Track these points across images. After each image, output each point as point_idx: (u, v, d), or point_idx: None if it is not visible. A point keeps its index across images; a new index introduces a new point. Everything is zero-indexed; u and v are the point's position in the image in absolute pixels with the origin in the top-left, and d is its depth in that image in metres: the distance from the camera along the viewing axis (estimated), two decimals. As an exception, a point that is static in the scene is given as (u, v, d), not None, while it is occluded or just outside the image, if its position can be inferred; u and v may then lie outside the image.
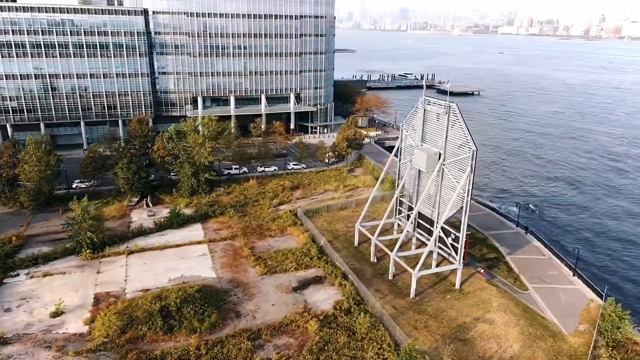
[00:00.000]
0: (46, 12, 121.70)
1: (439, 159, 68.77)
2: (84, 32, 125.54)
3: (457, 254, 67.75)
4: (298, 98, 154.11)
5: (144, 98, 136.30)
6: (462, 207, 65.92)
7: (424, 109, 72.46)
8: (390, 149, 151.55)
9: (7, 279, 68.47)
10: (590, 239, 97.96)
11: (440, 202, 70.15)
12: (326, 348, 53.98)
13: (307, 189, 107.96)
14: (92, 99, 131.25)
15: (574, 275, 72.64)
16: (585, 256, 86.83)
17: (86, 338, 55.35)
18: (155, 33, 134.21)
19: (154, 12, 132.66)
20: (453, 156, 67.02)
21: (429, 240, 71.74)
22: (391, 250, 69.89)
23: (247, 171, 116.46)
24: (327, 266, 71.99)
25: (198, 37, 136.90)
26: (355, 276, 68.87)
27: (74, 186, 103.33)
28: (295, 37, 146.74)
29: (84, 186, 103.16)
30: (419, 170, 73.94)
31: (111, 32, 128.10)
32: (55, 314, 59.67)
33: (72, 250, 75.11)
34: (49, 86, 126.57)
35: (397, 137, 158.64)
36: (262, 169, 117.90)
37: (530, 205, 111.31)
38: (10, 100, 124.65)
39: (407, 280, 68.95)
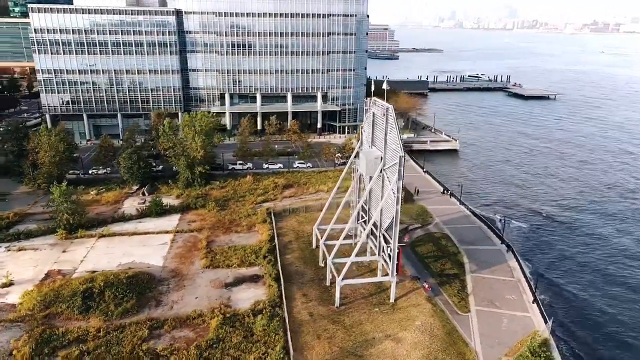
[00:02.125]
0: (89, 13, 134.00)
1: (380, 163, 65.23)
2: (121, 31, 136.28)
3: (390, 266, 63.83)
4: (325, 97, 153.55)
5: (174, 93, 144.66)
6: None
7: (372, 111, 68.92)
8: (416, 152, 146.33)
9: (-18, 252, 77.31)
10: (583, 274, 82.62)
11: (382, 209, 66.52)
12: (215, 345, 54.06)
13: (301, 188, 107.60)
14: (127, 93, 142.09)
15: (533, 302, 65.04)
16: (566, 288, 75.98)
17: (16, 309, 60.90)
18: (187, 32, 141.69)
19: (185, 12, 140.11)
20: (392, 161, 63.22)
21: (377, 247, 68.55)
22: (349, 256, 67.55)
23: (251, 167, 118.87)
24: (269, 266, 71.52)
25: (226, 35, 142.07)
26: (282, 278, 67.75)
27: (90, 172, 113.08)
28: (322, 36, 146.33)
29: (99, 172, 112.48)
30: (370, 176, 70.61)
31: (145, 31, 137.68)
32: (5, 285, 66.20)
33: (53, 230, 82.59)
34: (91, 81, 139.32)
35: (427, 141, 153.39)
36: (267, 166, 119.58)
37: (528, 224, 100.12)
38: (58, 93, 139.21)
39: (344, 288, 66.37)
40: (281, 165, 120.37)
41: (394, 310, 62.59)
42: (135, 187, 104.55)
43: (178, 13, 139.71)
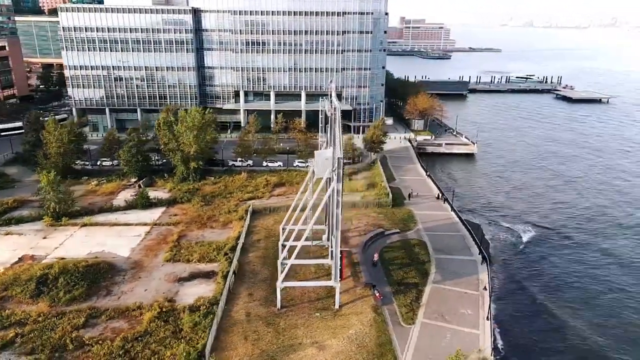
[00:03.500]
0: (112, 12, 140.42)
1: (330, 164, 63.28)
2: (141, 29, 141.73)
3: (333, 270, 61.85)
4: (340, 96, 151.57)
5: (190, 90, 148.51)
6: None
7: (324, 110, 67.09)
8: (430, 155, 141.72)
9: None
10: (561, 297, 72.43)
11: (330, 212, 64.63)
12: (140, 338, 54.76)
13: (292, 187, 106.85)
14: (146, 89, 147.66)
15: (487, 319, 60.64)
16: (534, 308, 69.51)
17: (-23, 290, 64.88)
18: (203, 30, 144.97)
19: (202, 11, 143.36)
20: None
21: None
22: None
23: (251, 164, 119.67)
24: (225, 263, 71.26)
25: (241, 33, 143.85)
26: (231, 276, 67.43)
27: (98, 163, 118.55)
28: (337, 34, 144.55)
29: (106, 164, 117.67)
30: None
31: (164, 29, 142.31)
32: (-27, 266, 70.85)
33: (41, 217, 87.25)
34: (113, 76, 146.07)
35: (442, 144, 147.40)
36: (266, 164, 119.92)
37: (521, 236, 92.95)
38: (84, 88, 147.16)
39: (291, 292, 65.22)
40: (281, 164, 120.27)
41: (335, 316, 60.56)
42: (133, 180, 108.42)
43: (195, 11, 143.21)
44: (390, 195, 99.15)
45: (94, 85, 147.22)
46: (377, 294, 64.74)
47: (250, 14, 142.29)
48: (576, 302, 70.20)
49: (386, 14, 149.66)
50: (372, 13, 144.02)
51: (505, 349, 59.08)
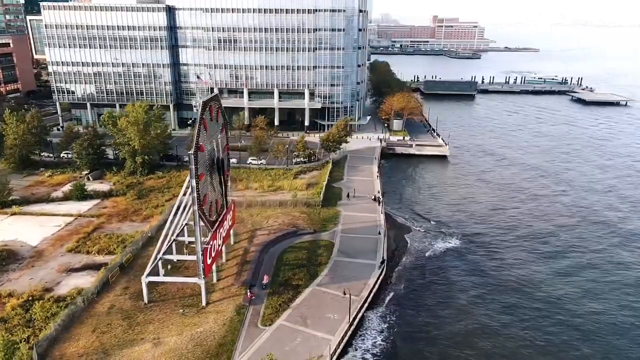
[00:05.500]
0: (91, 10, 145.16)
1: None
2: (118, 27, 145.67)
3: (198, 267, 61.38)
4: (313, 94, 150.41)
5: (165, 87, 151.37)
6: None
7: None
8: (399, 155, 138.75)
9: None
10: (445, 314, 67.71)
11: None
12: (-5, 324, 56.45)
13: (234, 183, 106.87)
14: (124, 85, 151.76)
15: (350, 326, 58.57)
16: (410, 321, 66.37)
17: None
18: (177, 28, 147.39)
19: (176, 9, 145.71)
20: (206, 160, 60.69)
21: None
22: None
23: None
24: (119, 255, 72.54)
25: (213, 31, 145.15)
26: (115, 269, 68.24)
27: (61, 155, 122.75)
28: (309, 32, 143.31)
29: (64, 157, 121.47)
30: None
31: (139, 26, 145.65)
32: None
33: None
34: (92, 72, 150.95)
35: (412, 145, 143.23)
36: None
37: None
38: (66, 83, 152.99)
39: (170, 287, 65.40)
40: (234, 161, 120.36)
41: (197, 314, 60.18)
42: (84, 173, 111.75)
43: (170, 9, 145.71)
44: (322, 195, 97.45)
45: (75, 80, 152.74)
46: (249, 294, 63.83)
47: (223, 12, 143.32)
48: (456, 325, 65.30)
49: (361, 11, 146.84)
50: (344, 10, 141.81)
51: (359, 354, 56.76)
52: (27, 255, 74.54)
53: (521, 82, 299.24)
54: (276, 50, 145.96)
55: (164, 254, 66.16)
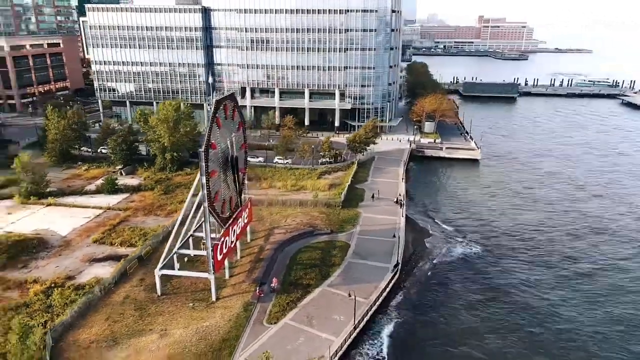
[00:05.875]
0: (131, 11, 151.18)
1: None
2: (156, 27, 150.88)
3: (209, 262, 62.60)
4: (343, 95, 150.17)
5: (199, 86, 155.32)
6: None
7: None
8: (428, 158, 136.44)
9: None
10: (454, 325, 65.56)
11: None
12: (14, 309, 59.59)
13: (259, 182, 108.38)
14: (161, 84, 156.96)
15: (354, 327, 58.14)
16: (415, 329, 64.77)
17: None
18: (212, 28, 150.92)
19: (212, 10, 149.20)
20: (219, 157, 61.86)
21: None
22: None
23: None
24: (139, 248, 75.10)
25: (246, 31, 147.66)
26: (134, 261, 70.64)
27: (99, 150, 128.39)
28: (340, 32, 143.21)
29: (104, 152, 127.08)
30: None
31: (176, 27, 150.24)
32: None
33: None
34: (131, 72, 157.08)
35: (442, 148, 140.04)
36: (248, 158, 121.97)
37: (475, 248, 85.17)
38: (108, 81, 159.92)
39: (184, 281, 67.14)
40: (261, 159, 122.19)
41: (206, 309, 61.48)
42: (118, 167, 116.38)
43: (205, 10, 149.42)
44: (343, 196, 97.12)
45: (116, 79, 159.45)
46: (258, 292, 64.54)
47: (256, 12, 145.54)
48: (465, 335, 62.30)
49: (394, 11, 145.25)
50: (376, 11, 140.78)
51: (363, 359, 56.21)
52: (56, 244, 78.46)
53: (568, 85, 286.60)
54: (307, 51, 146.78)
55: (179, 248, 68.07)
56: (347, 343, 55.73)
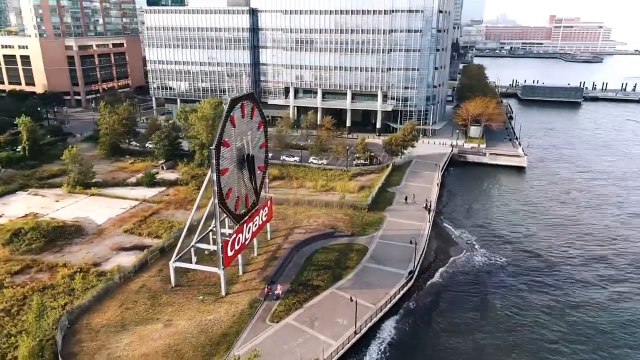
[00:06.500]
0: (182, 13, 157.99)
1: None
2: (205, 28, 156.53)
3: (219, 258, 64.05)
4: (386, 97, 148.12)
5: (245, 85, 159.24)
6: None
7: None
8: (470, 164, 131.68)
9: (19, 191, 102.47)
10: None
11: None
12: (42, 290, 64.14)
13: (290, 182, 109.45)
14: (209, 83, 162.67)
15: (355, 333, 57.30)
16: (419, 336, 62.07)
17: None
18: (259, 29, 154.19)
19: (259, 11, 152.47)
20: (232, 156, 63.26)
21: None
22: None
23: (270, 157, 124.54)
24: (163, 240, 78.33)
25: (291, 32, 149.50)
26: (155, 252, 73.68)
27: (146, 145, 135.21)
28: (384, 33, 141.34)
29: (150, 146, 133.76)
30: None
31: (225, 28, 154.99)
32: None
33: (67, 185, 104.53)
34: (182, 71, 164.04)
35: (485, 154, 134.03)
36: (283, 157, 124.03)
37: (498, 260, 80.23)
38: (161, 79, 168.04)
39: (200, 274, 69.20)
40: (297, 159, 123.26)
41: (214, 303, 63.03)
42: (160, 162, 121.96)
43: (253, 12, 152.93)
44: (371, 199, 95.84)
45: (168, 77, 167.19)
46: (266, 290, 65.22)
47: (301, 13, 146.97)
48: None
49: (441, 11, 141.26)
50: (422, 11, 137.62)
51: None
52: (91, 232, 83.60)
53: (633, 91, 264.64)
54: (351, 52, 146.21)
55: (197, 242, 70.16)
56: (345, 348, 55.05)
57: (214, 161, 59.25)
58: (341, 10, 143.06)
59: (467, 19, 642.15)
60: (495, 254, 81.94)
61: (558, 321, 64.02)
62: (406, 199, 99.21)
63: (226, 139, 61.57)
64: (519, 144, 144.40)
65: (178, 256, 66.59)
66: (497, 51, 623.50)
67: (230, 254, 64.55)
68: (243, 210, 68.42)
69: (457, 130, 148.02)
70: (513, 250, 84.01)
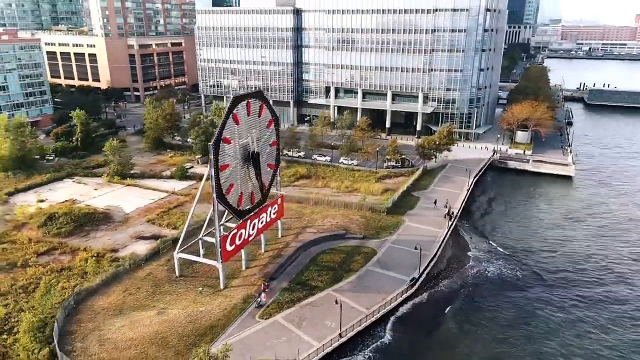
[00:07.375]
0: (231, 13, 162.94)
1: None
2: (252, 28, 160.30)
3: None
4: (427, 98, 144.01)
5: (287, 84, 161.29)
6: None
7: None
8: (511, 171, 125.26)
9: (66, 179, 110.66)
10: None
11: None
12: (59, 271, 68.94)
13: (315, 181, 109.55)
14: (253, 81, 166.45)
15: (340, 337, 56.49)
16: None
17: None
18: (302, 29, 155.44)
19: (303, 11, 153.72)
20: (234, 153, 64.49)
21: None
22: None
23: (302, 156, 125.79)
24: (177, 231, 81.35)
25: (332, 32, 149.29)
26: (166, 242, 76.71)
27: (187, 140, 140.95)
28: (426, 33, 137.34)
29: (190, 141, 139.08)
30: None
31: (270, 28, 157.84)
32: (39, 201, 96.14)
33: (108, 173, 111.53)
34: (228, 69, 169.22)
35: (529, 161, 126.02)
36: (314, 157, 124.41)
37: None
38: (209, 77, 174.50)
39: (205, 266, 71.22)
40: (328, 159, 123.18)
41: (211, 295, 64.78)
42: (197, 156, 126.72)
43: (297, 12, 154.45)
44: (392, 202, 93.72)
45: (216, 75, 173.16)
46: (262, 286, 65.89)
47: (344, 13, 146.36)
48: None
49: (488, 10, 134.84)
50: (467, 10, 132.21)
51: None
52: (117, 220, 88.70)
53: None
54: (392, 52, 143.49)
55: (205, 235, 72.25)
56: (325, 351, 54.43)
57: (212, 156, 60.72)
58: (383, 10, 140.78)
59: (545, 19, 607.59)
60: (512, 269, 77.13)
61: None
62: (435, 202, 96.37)
63: (227, 136, 62.91)
64: (570, 151, 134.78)
65: (183, 248, 68.96)
66: (573, 52, 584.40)
67: (230, 248, 65.92)
68: (247, 207, 69.58)
69: (502, 135, 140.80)
70: (532, 268, 78.09)
